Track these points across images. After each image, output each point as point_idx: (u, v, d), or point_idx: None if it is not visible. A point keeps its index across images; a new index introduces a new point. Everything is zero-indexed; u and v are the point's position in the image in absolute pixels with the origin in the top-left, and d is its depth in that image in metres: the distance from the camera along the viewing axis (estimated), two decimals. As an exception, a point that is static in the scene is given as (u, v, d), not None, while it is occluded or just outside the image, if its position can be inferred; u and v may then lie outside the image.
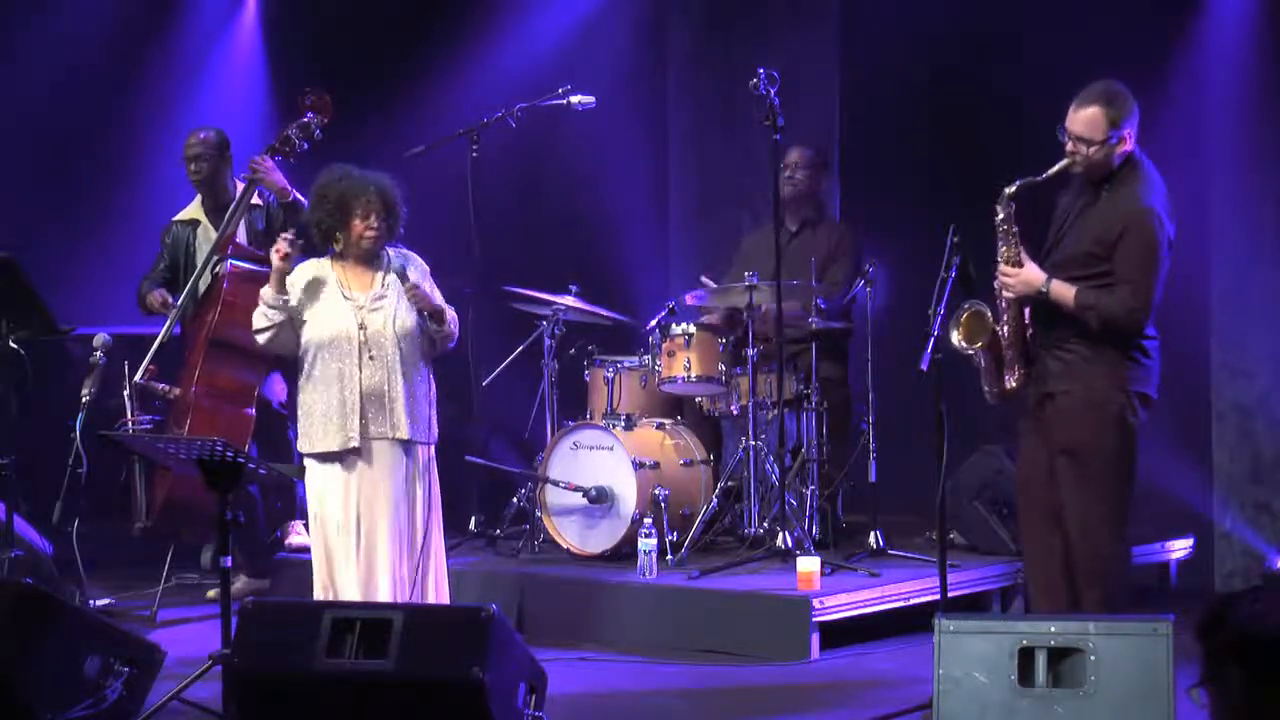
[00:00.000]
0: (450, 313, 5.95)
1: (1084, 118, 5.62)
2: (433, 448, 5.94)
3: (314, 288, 5.86)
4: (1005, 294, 5.69)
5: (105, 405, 7.08)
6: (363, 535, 5.75)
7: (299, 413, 5.91)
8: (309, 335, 5.86)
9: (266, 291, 5.88)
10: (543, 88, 7.72)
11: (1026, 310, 5.76)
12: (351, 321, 5.82)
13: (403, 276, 5.83)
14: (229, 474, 5.13)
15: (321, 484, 5.80)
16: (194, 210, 7.75)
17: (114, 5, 9.20)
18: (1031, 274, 5.61)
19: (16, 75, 8.90)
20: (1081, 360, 5.63)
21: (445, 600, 5.95)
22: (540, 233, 9.34)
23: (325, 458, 5.79)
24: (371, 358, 5.80)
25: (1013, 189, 5.64)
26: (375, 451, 5.78)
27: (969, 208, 5.93)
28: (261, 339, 5.92)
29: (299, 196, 7.44)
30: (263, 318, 5.88)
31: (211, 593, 7.39)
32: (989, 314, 5.66)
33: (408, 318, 5.86)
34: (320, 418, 5.80)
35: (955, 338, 5.68)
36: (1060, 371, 5.66)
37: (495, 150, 7.85)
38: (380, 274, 5.91)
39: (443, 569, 5.96)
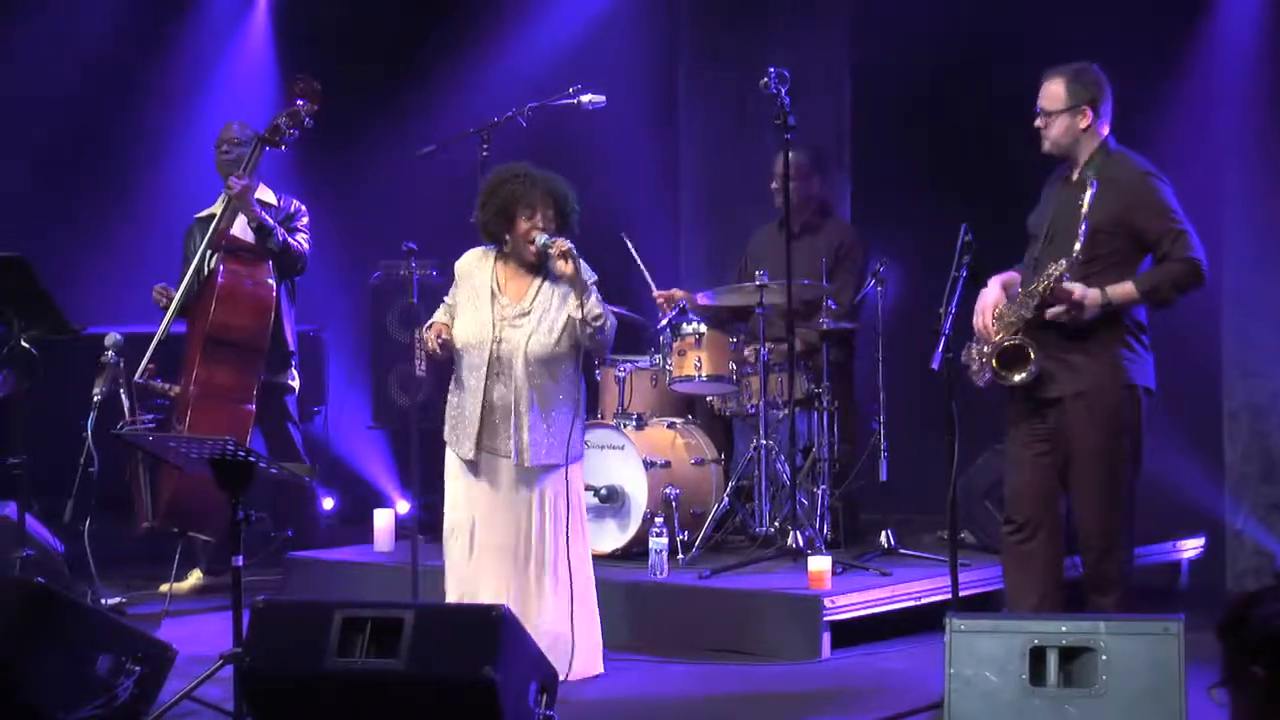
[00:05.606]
0: (596, 298, 5.82)
1: (1046, 90, 5.71)
2: (568, 468, 5.89)
3: (469, 278, 5.84)
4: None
5: (112, 404, 7.09)
6: (475, 546, 5.83)
7: (449, 410, 5.96)
8: (456, 331, 5.88)
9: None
10: (553, 87, 7.71)
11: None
12: (488, 331, 5.80)
13: (548, 248, 5.74)
14: (241, 473, 5.13)
15: (450, 487, 5.91)
16: (215, 206, 7.70)
17: (124, 6, 9.22)
18: (1093, 294, 5.57)
19: (26, 76, 8.92)
20: (1082, 361, 5.63)
21: (596, 621, 6.01)
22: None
23: (455, 462, 5.90)
24: (499, 375, 5.80)
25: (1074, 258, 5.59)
26: (496, 468, 5.85)
27: (980, 206, 5.92)
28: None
29: (268, 220, 7.43)
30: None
31: (164, 586, 7.40)
32: (1026, 347, 5.61)
33: (546, 338, 5.81)
34: (453, 422, 5.87)
35: (1010, 375, 5.65)
36: (1064, 376, 5.65)
37: (506, 149, 7.81)
38: (538, 283, 5.86)
39: (580, 587, 5.95)
